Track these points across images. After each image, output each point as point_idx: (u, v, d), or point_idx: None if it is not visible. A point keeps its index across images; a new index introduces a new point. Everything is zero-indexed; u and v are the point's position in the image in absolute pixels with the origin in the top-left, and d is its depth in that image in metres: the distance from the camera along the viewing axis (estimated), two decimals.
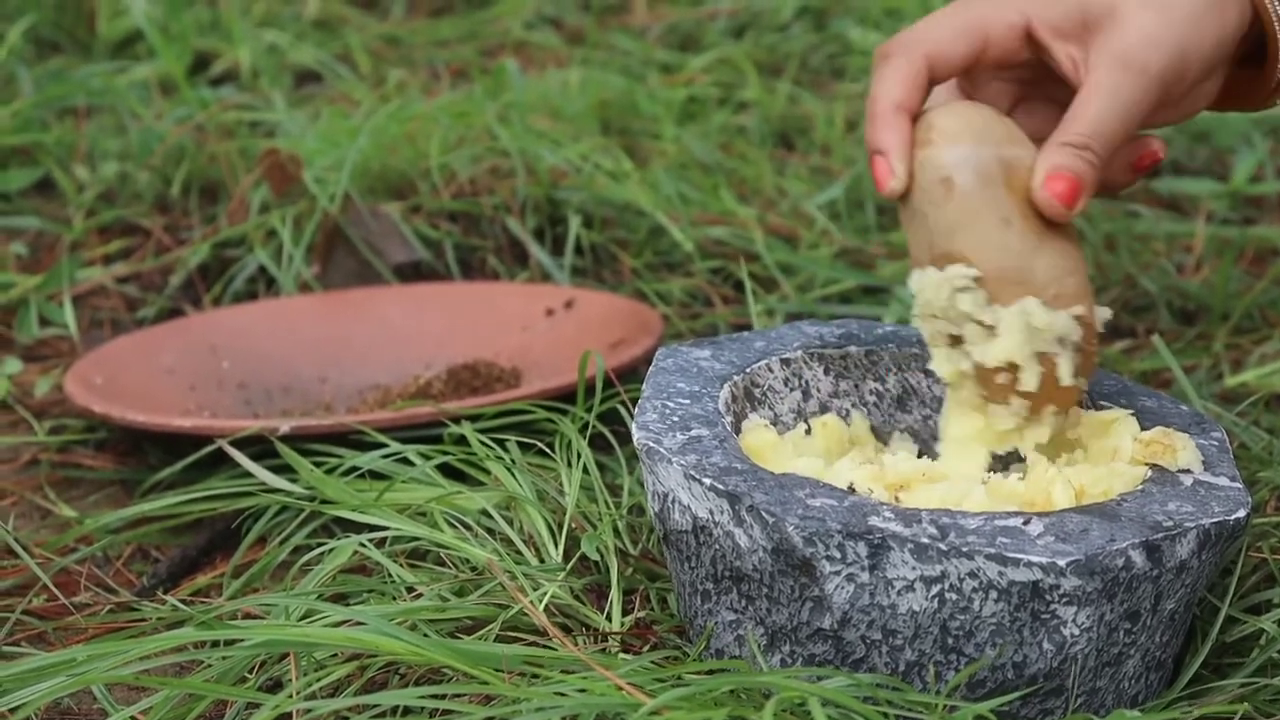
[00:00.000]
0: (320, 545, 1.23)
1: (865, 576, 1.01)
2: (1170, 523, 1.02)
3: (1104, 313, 1.11)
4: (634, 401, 1.27)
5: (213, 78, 2.17)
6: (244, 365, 1.60)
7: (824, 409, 1.19)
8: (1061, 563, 0.99)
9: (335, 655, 1.07)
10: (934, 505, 1.05)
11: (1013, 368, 1.08)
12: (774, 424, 1.16)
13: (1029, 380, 1.08)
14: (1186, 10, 1.09)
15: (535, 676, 1.02)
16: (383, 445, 1.31)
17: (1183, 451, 1.09)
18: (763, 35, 2.28)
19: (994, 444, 1.11)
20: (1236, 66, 1.13)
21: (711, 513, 1.05)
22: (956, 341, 1.09)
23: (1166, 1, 1.09)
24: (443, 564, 1.20)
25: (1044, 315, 1.07)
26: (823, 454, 1.15)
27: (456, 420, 1.33)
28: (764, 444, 1.12)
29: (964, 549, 0.99)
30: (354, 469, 1.30)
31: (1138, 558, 1.00)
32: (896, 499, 1.06)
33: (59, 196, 1.88)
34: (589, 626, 1.13)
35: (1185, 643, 1.11)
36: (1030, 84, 1.15)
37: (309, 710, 1.02)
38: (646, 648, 1.11)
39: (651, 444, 1.08)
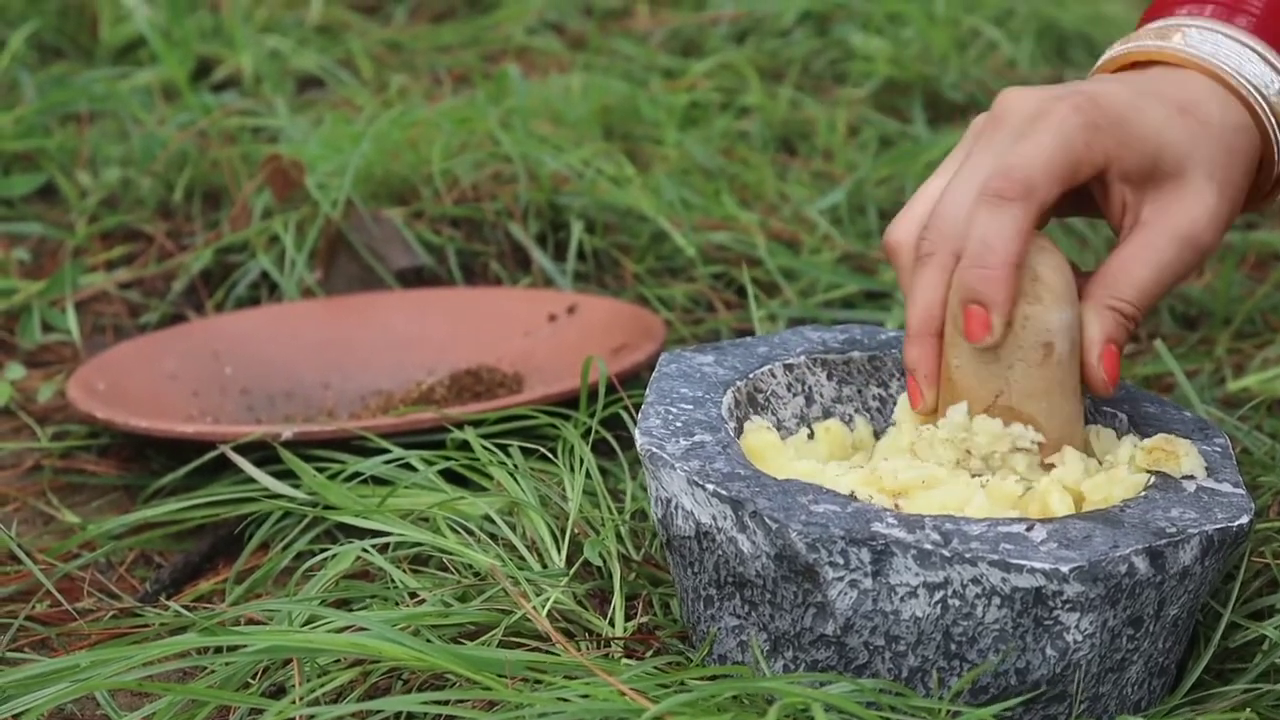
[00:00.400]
0: (323, 551, 1.23)
1: (868, 583, 1.01)
2: (1173, 529, 1.02)
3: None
4: (636, 406, 1.27)
5: (215, 83, 2.17)
6: (247, 371, 1.60)
7: (827, 414, 1.19)
8: (1065, 569, 0.99)
9: (338, 661, 1.07)
10: (934, 510, 1.05)
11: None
12: (777, 429, 1.16)
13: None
14: (1239, 183, 1.11)
15: (538, 682, 1.02)
16: (385, 451, 1.31)
17: (1186, 457, 1.08)
18: (765, 40, 2.28)
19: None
20: None
21: (715, 518, 1.05)
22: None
23: (1227, 176, 1.09)
24: (445, 569, 1.20)
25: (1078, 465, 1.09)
26: (825, 459, 1.15)
27: (459, 425, 1.33)
28: (765, 445, 1.12)
29: (967, 555, 0.99)
30: (357, 474, 1.30)
31: (1141, 564, 1.00)
32: (896, 505, 1.06)
33: (61, 202, 1.88)
34: (592, 632, 1.13)
35: (1188, 649, 1.11)
36: None
37: (312, 716, 1.02)
38: (649, 653, 1.11)
39: (655, 449, 1.08)
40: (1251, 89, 1.11)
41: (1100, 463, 1.11)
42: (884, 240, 1.13)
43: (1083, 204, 1.13)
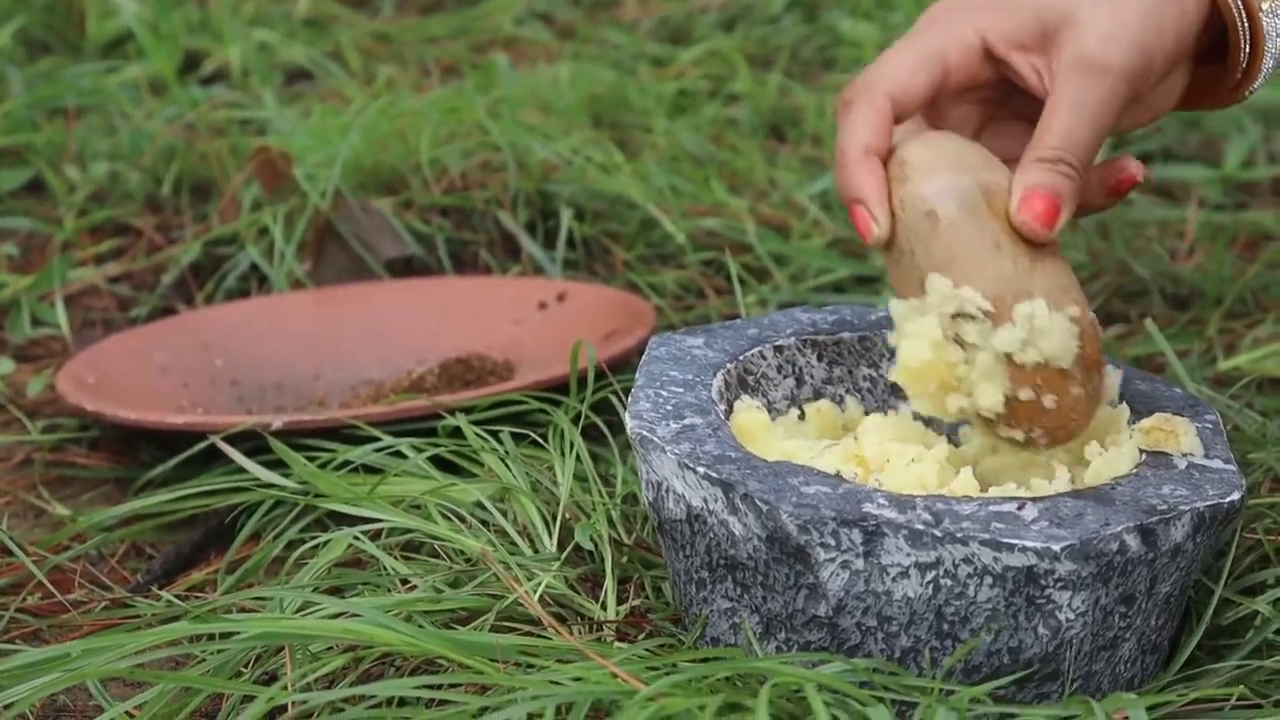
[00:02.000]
0: (314, 539, 1.22)
1: (860, 563, 1.01)
2: (1165, 506, 1.02)
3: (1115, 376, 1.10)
4: (626, 392, 1.27)
5: (203, 77, 2.17)
6: (237, 362, 1.60)
7: (818, 395, 1.19)
8: (1056, 547, 0.99)
9: (330, 647, 1.07)
10: (914, 487, 1.05)
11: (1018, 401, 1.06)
12: (768, 411, 1.16)
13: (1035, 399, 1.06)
14: (1142, 3, 1.07)
15: (530, 666, 1.02)
16: (376, 439, 1.31)
17: (1185, 436, 1.08)
18: (753, 28, 2.28)
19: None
20: (1199, 64, 1.12)
21: (705, 501, 1.05)
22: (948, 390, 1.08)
23: (1119, 2, 1.07)
24: (437, 555, 1.20)
25: (1047, 316, 1.04)
26: (816, 439, 1.15)
27: (451, 412, 1.33)
28: (755, 424, 1.12)
29: (958, 535, 0.99)
30: (347, 463, 1.30)
31: (1132, 542, 1.00)
32: (878, 482, 1.06)
33: (50, 197, 1.88)
34: (584, 616, 1.13)
35: (1180, 625, 1.11)
36: (996, 103, 1.14)
37: (304, 702, 1.02)
38: (641, 636, 1.11)
39: (645, 433, 1.08)
40: None
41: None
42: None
43: (1018, 94, 1.12)
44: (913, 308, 1.06)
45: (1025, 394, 1.04)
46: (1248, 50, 1.10)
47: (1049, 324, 1.04)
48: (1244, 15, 1.09)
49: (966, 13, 1.09)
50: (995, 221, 1.06)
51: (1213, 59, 1.12)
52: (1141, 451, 1.08)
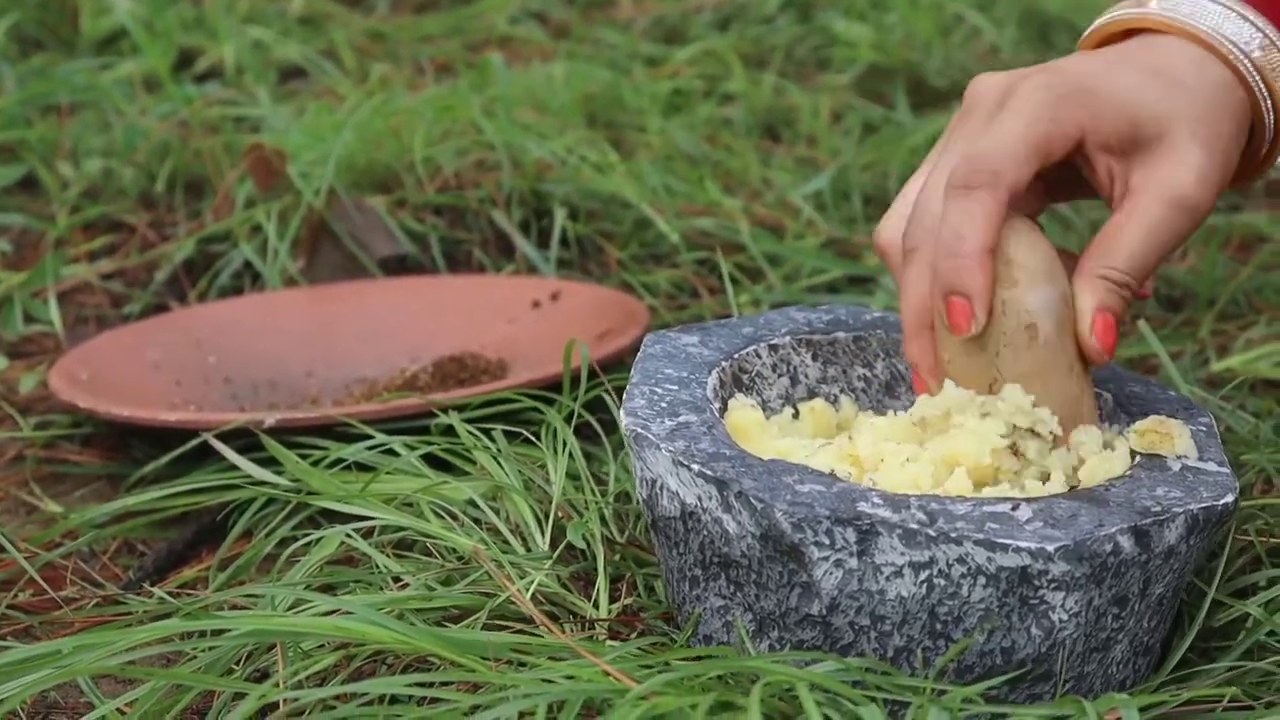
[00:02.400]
0: (306, 537, 1.22)
1: (853, 562, 1.01)
2: (1158, 508, 1.02)
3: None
4: (620, 391, 1.27)
5: (197, 74, 2.17)
6: (230, 360, 1.60)
7: (812, 394, 1.19)
8: (1050, 548, 0.98)
9: (322, 645, 1.07)
10: (908, 486, 1.05)
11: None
12: (762, 410, 1.16)
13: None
14: (1227, 141, 1.09)
15: (522, 664, 1.02)
16: (369, 437, 1.31)
17: (1180, 439, 1.08)
18: (748, 27, 2.28)
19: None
20: None
21: (700, 499, 1.05)
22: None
23: (1212, 135, 1.08)
24: (429, 553, 1.20)
25: (1096, 444, 1.08)
26: (810, 438, 1.15)
27: (444, 411, 1.32)
28: (749, 423, 1.12)
29: (952, 534, 0.99)
30: (340, 461, 1.30)
31: (1126, 543, 1.00)
32: (872, 481, 1.06)
33: (43, 193, 1.88)
34: (576, 614, 1.13)
35: (1173, 627, 1.11)
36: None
37: (296, 699, 1.02)
38: (634, 634, 1.11)
39: (639, 430, 1.08)
40: (1231, 46, 1.10)
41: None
42: (874, 242, 1.13)
43: (1079, 184, 1.12)
44: (973, 402, 1.07)
45: None
46: (1271, 134, 1.12)
47: (1093, 450, 1.07)
48: (1271, 109, 1.11)
49: (1071, 105, 1.07)
50: (1071, 341, 1.08)
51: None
52: (1136, 454, 1.08)
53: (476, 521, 1.22)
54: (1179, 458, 1.08)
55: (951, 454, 1.06)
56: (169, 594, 1.23)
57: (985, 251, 1.05)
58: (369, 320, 1.64)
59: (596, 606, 1.14)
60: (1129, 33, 1.13)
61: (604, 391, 1.33)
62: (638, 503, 1.12)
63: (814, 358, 1.20)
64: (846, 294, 1.67)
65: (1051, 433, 1.06)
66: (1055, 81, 1.07)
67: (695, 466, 1.04)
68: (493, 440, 1.27)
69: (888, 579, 1.01)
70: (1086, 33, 1.15)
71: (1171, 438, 1.08)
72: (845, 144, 1.96)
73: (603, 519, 1.21)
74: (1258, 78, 1.10)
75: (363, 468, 1.29)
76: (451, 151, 1.81)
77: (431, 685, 1.02)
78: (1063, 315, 1.07)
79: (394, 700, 1.03)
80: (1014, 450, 1.06)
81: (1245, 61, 1.10)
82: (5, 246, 1.77)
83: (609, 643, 1.08)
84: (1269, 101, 1.11)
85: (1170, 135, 1.08)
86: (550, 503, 1.22)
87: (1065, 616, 1.00)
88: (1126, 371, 1.19)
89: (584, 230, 1.75)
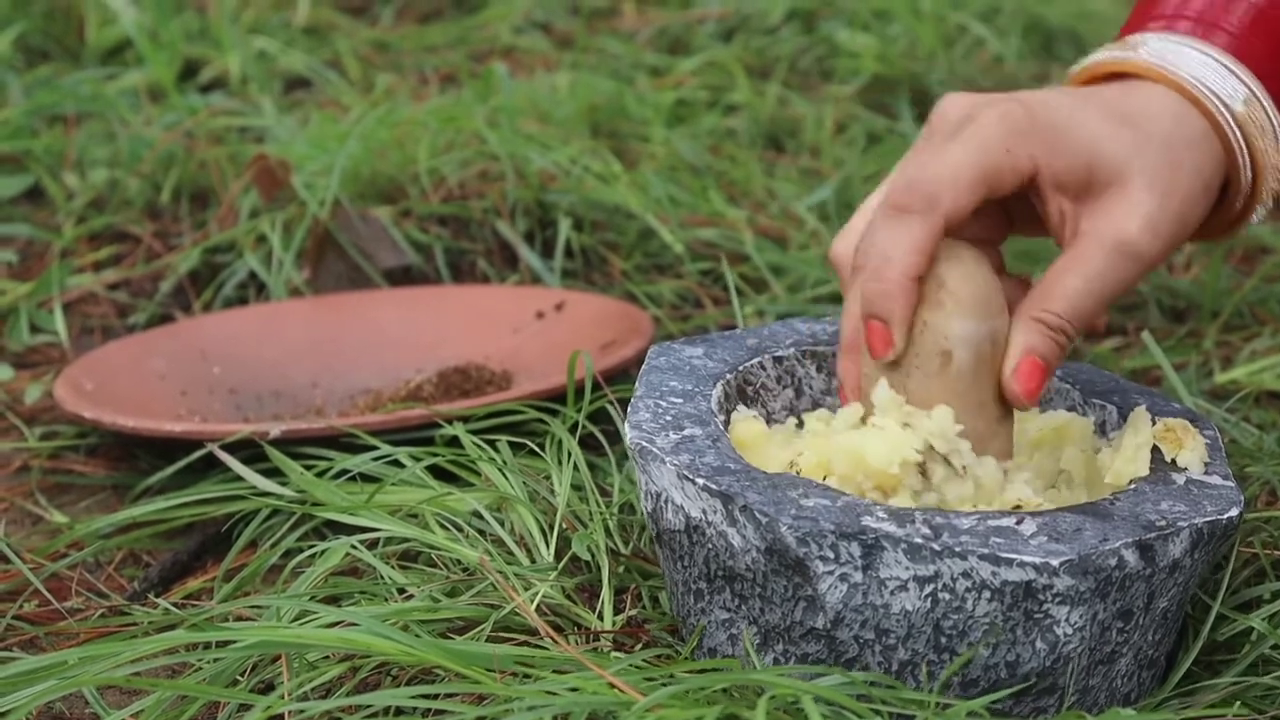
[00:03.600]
0: (311, 548, 1.22)
1: (858, 576, 1.01)
2: (1163, 522, 1.02)
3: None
4: (624, 402, 1.27)
5: (202, 84, 2.17)
6: (235, 370, 1.60)
7: (816, 406, 1.19)
8: (1055, 562, 0.98)
9: (327, 656, 1.07)
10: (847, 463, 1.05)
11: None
12: (766, 422, 1.16)
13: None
14: (1186, 194, 1.07)
15: (527, 676, 1.02)
16: (374, 448, 1.31)
17: (1188, 451, 1.08)
18: (752, 38, 2.28)
19: None
20: None
21: (705, 512, 1.05)
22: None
23: (1169, 187, 1.06)
24: (434, 565, 1.20)
25: (994, 480, 1.06)
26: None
27: (449, 421, 1.33)
28: (753, 435, 1.12)
29: (957, 549, 0.99)
30: (345, 472, 1.30)
31: (1131, 557, 1.00)
32: (824, 477, 1.06)
33: (49, 204, 1.88)
34: (581, 625, 1.13)
35: (1177, 641, 1.11)
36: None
37: (301, 711, 1.02)
38: (639, 646, 1.11)
39: (644, 443, 1.08)
40: (1214, 99, 1.08)
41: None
42: (829, 255, 1.12)
43: (1036, 220, 1.11)
44: (900, 409, 1.06)
45: None
46: (1248, 190, 1.11)
47: (991, 485, 1.06)
48: (1248, 164, 1.10)
49: (1028, 139, 1.05)
50: (989, 378, 1.06)
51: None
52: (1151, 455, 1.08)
53: (481, 533, 1.22)
54: (1182, 471, 1.08)
55: (859, 449, 1.05)
56: (174, 605, 1.23)
57: (908, 278, 1.04)
58: (374, 331, 1.64)
59: (601, 618, 1.14)
60: (1115, 75, 1.11)
61: (608, 402, 1.33)
62: (642, 515, 1.12)
63: (819, 369, 1.20)
64: None
65: (964, 466, 1.05)
66: (1018, 113, 1.05)
67: (700, 480, 1.04)
68: (497, 451, 1.27)
69: (892, 593, 1.01)
70: (1076, 68, 1.14)
71: (1180, 444, 1.08)
72: (849, 155, 1.97)
73: (607, 530, 1.21)
74: (1238, 132, 1.09)
75: (367, 479, 1.29)
76: (456, 162, 1.82)
77: (436, 697, 1.02)
78: (984, 351, 1.05)
79: (399, 712, 1.03)
80: (922, 470, 1.05)
81: (1226, 114, 1.08)
82: (11, 257, 1.77)
83: (614, 655, 1.09)
84: (1246, 157, 1.09)
85: (1125, 182, 1.06)
86: (555, 514, 1.22)
87: (1070, 630, 1.00)
88: (1131, 383, 1.19)
89: (588, 241, 1.75)
